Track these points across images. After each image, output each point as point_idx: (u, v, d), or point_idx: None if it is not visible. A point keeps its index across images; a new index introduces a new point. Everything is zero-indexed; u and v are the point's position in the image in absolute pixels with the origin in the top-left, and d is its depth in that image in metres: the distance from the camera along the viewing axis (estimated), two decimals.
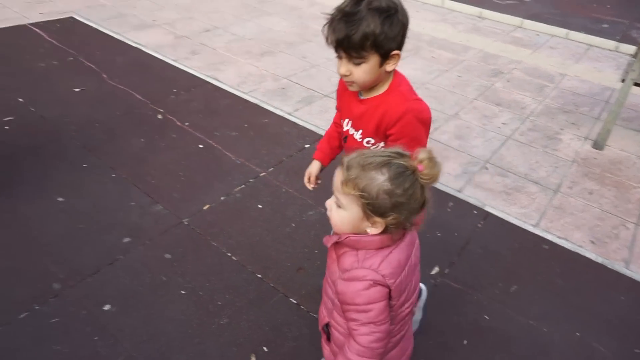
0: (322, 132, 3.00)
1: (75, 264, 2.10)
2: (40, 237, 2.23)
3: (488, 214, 2.67)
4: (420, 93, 1.40)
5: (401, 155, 1.02)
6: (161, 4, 5.57)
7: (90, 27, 4.68)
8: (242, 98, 3.66)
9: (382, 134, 1.38)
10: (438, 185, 2.85)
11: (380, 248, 1.07)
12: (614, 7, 6.82)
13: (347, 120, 1.48)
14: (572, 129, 3.69)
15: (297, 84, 4.01)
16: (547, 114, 3.88)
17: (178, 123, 3.25)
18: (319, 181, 1.69)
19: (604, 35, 5.66)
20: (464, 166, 3.10)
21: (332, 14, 1.22)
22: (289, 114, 3.52)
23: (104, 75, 3.77)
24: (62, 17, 4.80)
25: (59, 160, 2.77)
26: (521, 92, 4.23)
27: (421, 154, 1.00)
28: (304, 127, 3.35)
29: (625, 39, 5.54)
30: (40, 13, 4.86)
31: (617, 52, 5.41)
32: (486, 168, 3.11)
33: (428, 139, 1.39)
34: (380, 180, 0.98)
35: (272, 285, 2.10)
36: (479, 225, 2.59)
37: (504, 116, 3.78)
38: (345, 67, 1.27)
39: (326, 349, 1.33)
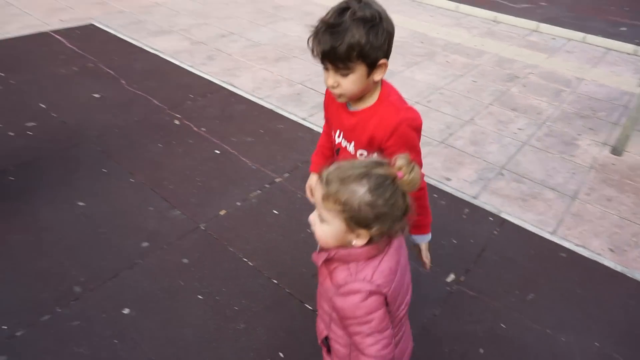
0: None
1: (96, 268, 2.15)
2: (61, 241, 2.28)
3: (504, 220, 2.65)
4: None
5: (379, 164, 1.01)
6: (177, 10, 5.65)
7: (109, 33, 4.78)
8: (257, 103, 3.70)
9: (376, 146, 1.36)
10: (453, 192, 2.85)
11: (370, 258, 1.07)
12: (632, 10, 6.72)
13: (338, 132, 1.46)
14: (590, 135, 3.65)
15: (311, 89, 4.03)
16: (564, 119, 3.84)
17: (195, 128, 3.29)
18: None
19: (623, 39, 5.58)
20: (480, 172, 3.08)
21: (316, 26, 1.21)
22: (304, 119, 3.54)
23: (123, 81, 3.85)
24: (82, 24, 4.92)
25: (79, 165, 2.83)
26: (537, 97, 4.19)
27: (399, 161, 0.99)
28: (319, 133, 3.31)
29: None
30: (61, 20, 4.98)
31: (636, 55, 5.33)
32: (502, 174, 3.09)
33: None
34: (360, 192, 0.98)
35: (287, 291, 2.12)
36: (495, 232, 2.57)
37: (520, 121, 3.75)
38: (333, 78, 1.25)
39: None
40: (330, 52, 1.19)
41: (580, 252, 2.47)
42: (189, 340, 1.87)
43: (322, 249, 1.14)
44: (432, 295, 2.15)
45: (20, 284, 2.05)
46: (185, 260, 2.23)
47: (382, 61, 1.24)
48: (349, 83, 1.24)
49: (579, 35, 5.72)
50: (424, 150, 1.39)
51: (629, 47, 5.40)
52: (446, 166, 3.09)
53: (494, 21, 6.26)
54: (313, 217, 1.09)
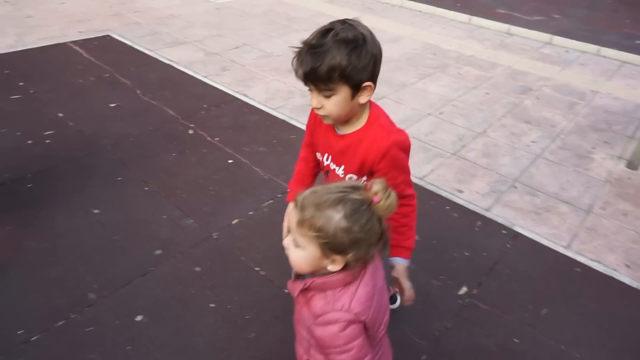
0: None
1: (110, 275, 2.18)
2: (76, 248, 2.32)
3: (517, 234, 2.63)
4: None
5: (355, 188, 1.00)
6: (192, 22, 5.75)
7: (126, 44, 4.87)
8: (270, 114, 3.74)
9: (367, 170, 1.35)
10: (465, 204, 2.83)
11: (347, 285, 1.05)
12: None
13: (326, 155, 1.45)
14: (605, 148, 3.61)
15: None
16: (578, 132, 3.81)
17: (208, 138, 3.33)
18: None
19: (638, 52, 5.54)
20: (492, 185, 3.07)
21: (299, 47, 1.21)
22: None
23: (138, 91, 3.92)
24: (99, 35, 5.03)
25: (94, 173, 2.88)
26: (551, 110, 4.17)
27: (375, 186, 0.98)
28: None
29: None
30: (79, 32, 5.10)
31: None
32: (515, 187, 3.07)
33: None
34: (336, 218, 0.96)
35: None
36: (508, 245, 2.55)
37: (533, 134, 3.73)
38: (316, 99, 1.24)
39: None
40: (310, 73, 1.18)
41: (595, 267, 2.43)
42: (199, 349, 1.88)
43: (297, 277, 1.13)
44: (444, 307, 2.13)
45: (36, 289, 2.08)
46: (197, 269, 2.25)
47: (367, 83, 1.22)
48: (332, 105, 1.23)
49: (593, 47, 5.69)
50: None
51: None
52: (458, 178, 3.08)
53: (506, 33, 6.26)
54: (287, 242, 1.07)
